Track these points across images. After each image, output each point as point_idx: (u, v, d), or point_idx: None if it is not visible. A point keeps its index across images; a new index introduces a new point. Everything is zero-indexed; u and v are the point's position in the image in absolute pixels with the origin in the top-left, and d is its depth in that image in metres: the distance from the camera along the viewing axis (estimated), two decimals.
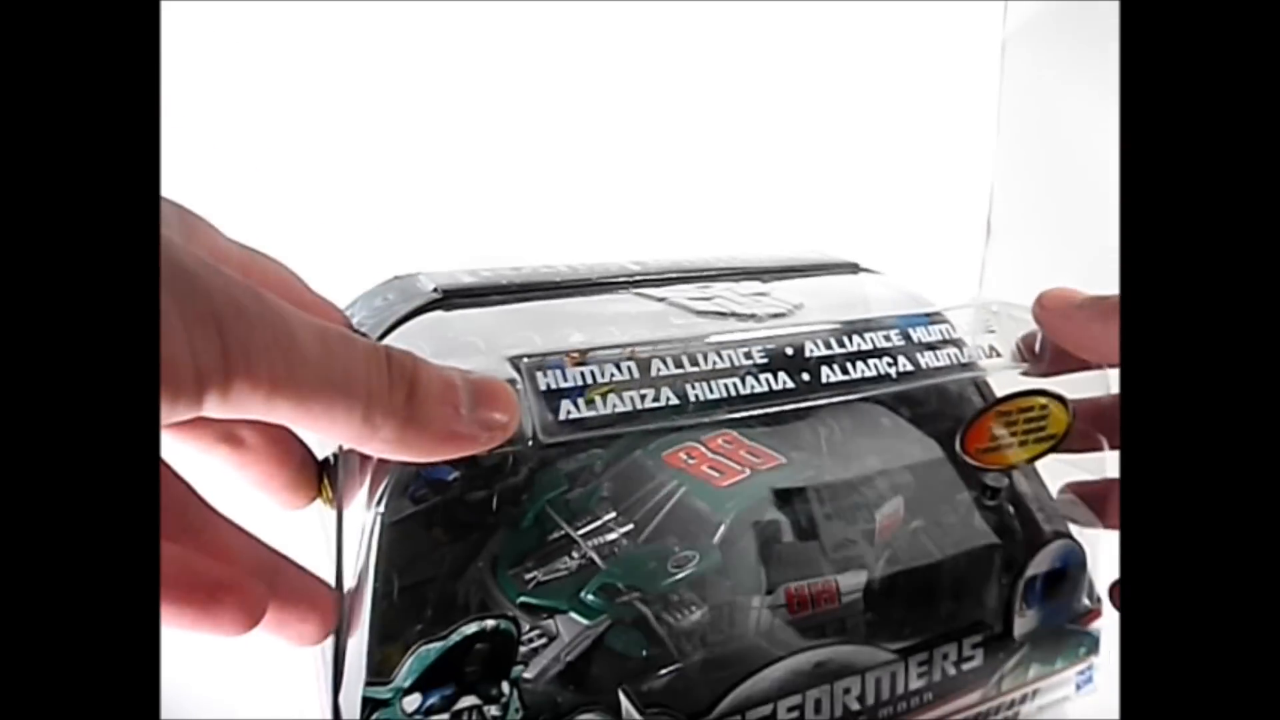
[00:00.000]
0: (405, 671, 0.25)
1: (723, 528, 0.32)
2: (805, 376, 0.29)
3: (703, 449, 0.35)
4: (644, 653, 0.31)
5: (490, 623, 0.26)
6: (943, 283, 0.37)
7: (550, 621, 0.30)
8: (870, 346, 0.30)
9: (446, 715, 0.25)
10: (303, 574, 0.26)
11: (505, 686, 0.26)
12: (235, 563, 0.23)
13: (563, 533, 0.32)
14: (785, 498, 0.33)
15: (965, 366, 0.32)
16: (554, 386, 0.26)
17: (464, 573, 0.31)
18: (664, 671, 0.31)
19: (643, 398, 0.27)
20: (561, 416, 0.25)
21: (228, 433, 0.25)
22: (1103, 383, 0.33)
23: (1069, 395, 0.32)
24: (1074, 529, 0.36)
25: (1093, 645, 0.37)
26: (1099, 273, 0.29)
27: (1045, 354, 0.33)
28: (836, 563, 0.33)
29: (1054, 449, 0.33)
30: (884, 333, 0.31)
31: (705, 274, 0.36)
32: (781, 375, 0.28)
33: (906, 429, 0.38)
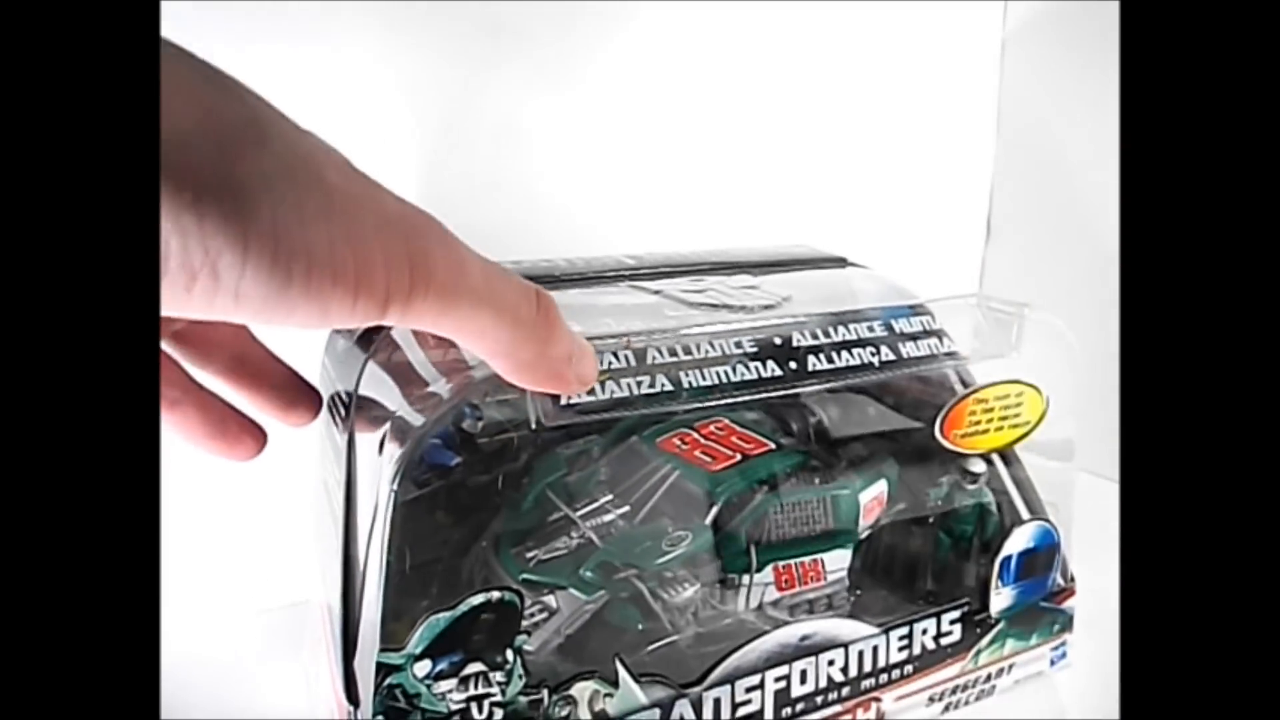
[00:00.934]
0: (416, 639, 0.26)
1: (715, 509, 0.34)
2: (793, 365, 0.30)
3: (695, 435, 0.37)
4: (639, 626, 0.32)
5: (495, 594, 0.27)
6: (943, 282, 0.38)
7: (550, 597, 0.31)
8: (855, 337, 0.32)
9: (454, 680, 0.27)
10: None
11: (509, 654, 0.28)
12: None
13: (562, 514, 0.34)
14: (774, 481, 0.35)
15: (946, 356, 0.34)
16: None
17: (468, 552, 0.33)
18: (658, 644, 0.32)
19: (639, 384, 0.28)
20: (562, 402, 0.27)
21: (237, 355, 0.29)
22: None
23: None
24: (1049, 511, 0.38)
25: (1066, 623, 0.39)
26: (1099, 273, 0.30)
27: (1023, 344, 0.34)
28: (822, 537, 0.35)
29: (1029, 434, 0.34)
30: (868, 324, 0.32)
31: (698, 268, 0.38)
32: (770, 364, 0.30)
33: (891, 417, 0.40)
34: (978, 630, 0.36)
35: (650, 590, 0.33)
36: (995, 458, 0.38)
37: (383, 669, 0.26)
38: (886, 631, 0.34)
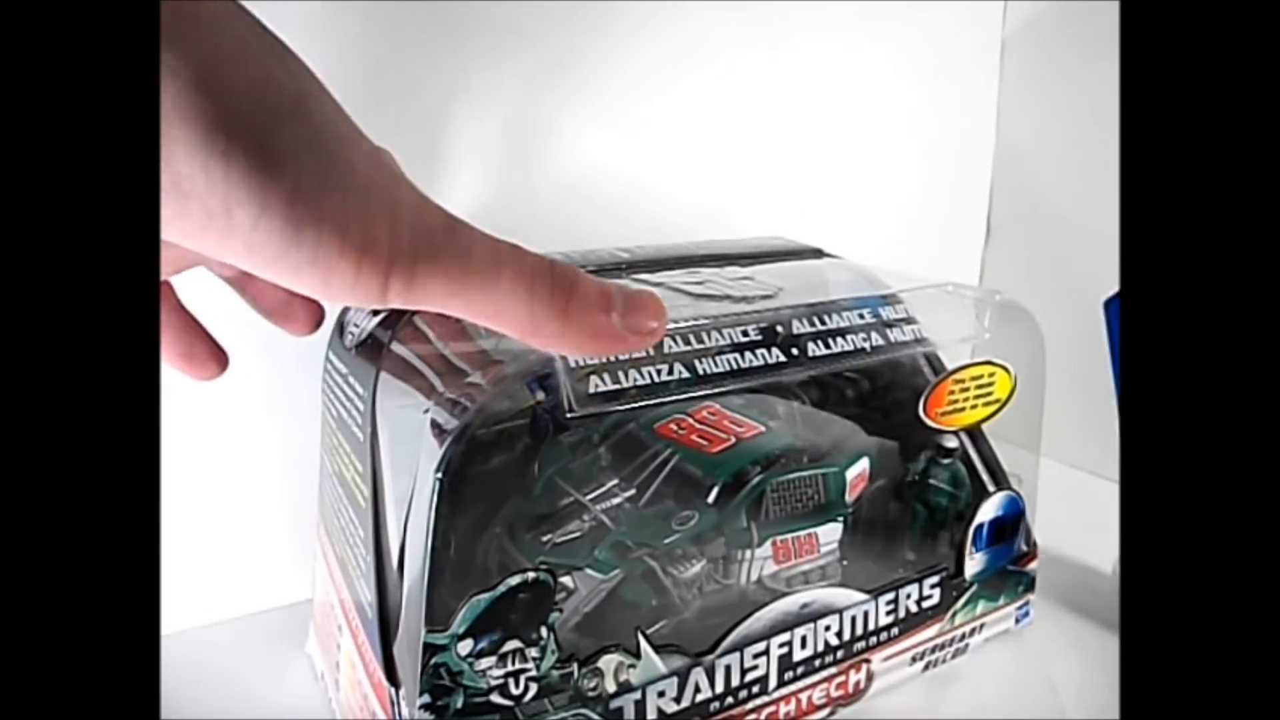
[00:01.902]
0: (459, 619, 0.28)
1: (715, 489, 0.36)
2: (794, 351, 0.32)
3: (690, 420, 0.39)
4: (652, 601, 0.34)
5: (531, 574, 0.29)
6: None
7: (568, 578, 0.33)
8: (846, 324, 0.34)
9: (494, 657, 0.28)
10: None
11: (544, 631, 0.29)
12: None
13: (572, 499, 0.35)
14: (768, 462, 0.37)
15: (920, 341, 0.37)
16: (583, 363, 0.29)
17: (481, 538, 0.34)
18: (671, 617, 0.34)
19: (659, 372, 0.30)
20: (590, 390, 0.29)
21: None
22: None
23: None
24: (1013, 482, 0.41)
25: (1029, 584, 0.42)
26: (1098, 273, 0.30)
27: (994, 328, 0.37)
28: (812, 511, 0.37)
29: (1001, 410, 0.37)
30: (857, 311, 0.35)
31: (688, 260, 0.40)
32: (775, 350, 0.32)
33: (869, 399, 0.42)
34: (954, 593, 0.39)
35: (662, 567, 0.35)
36: (963, 435, 0.41)
37: (428, 649, 0.27)
38: (875, 597, 0.37)
